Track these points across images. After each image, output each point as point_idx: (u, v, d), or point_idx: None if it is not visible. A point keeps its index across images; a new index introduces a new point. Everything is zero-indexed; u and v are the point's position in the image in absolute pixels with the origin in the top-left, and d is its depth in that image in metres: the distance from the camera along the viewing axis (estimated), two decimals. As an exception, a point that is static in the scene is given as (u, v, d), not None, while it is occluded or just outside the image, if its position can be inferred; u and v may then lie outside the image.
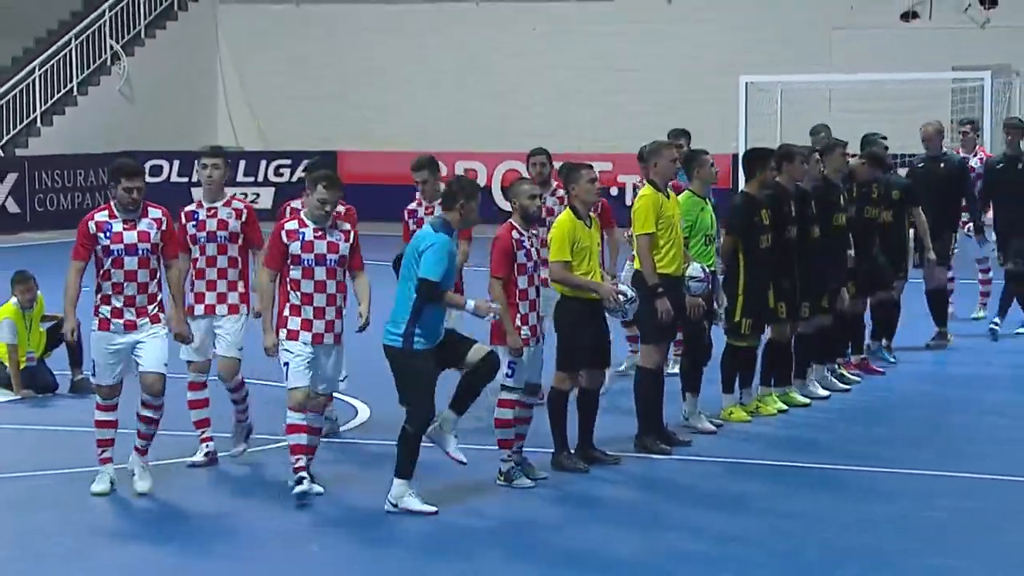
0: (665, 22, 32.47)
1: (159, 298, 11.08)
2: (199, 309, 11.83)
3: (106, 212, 10.98)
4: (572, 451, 11.97)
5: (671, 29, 32.31)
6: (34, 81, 32.55)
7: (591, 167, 11.93)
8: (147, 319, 11.00)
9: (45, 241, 28.92)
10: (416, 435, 10.78)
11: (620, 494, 11.62)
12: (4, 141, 32.05)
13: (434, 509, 10.82)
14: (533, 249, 11.33)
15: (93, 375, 11.22)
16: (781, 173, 13.89)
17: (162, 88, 34.21)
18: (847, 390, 14.90)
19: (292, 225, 11.01)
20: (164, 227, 11.02)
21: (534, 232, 11.43)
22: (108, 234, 10.87)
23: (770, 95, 29.02)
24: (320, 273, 10.93)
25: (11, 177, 30.67)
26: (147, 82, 34.07)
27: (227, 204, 11.94)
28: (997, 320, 17.52)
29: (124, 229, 10.89)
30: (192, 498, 11.37)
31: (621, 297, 11.70)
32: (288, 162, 32.23)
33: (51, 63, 32.91)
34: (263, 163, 32.78)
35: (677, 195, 12.80)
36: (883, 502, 11.37)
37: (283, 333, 10.95)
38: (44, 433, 13.75)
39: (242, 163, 32.69)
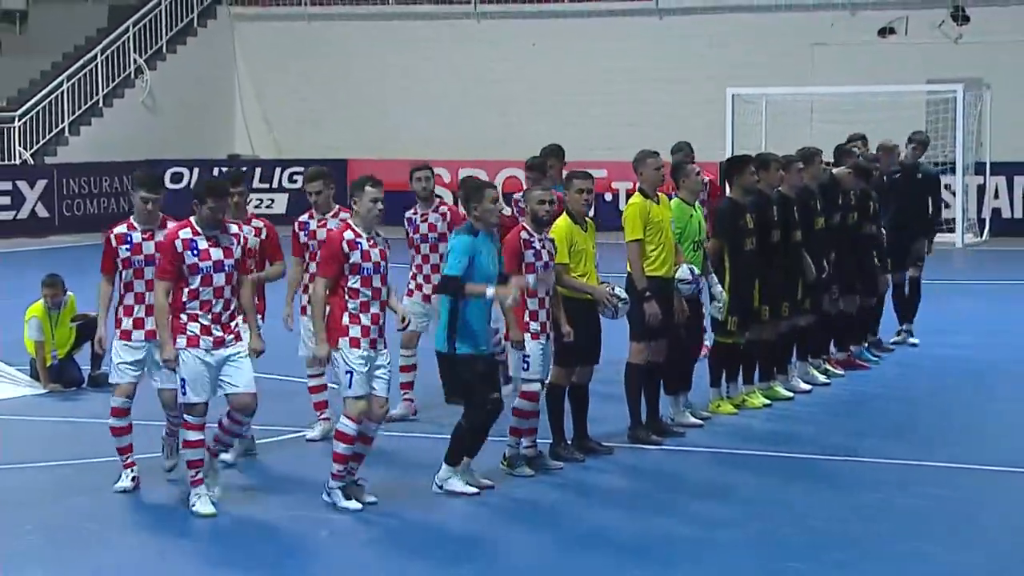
0: (657, 38, 32.44)
1: (239, 314, 10.52)
2: (139, 335, 10.81)
3: (188, 229, 10.33)
4: (569, 442, 11.94)
5: (663, 44, 32.27)
6: (62, 93, 32.55)
7: (587, 177, 11.82)
8: (232, 336, 10.43)
9: (72, 244, 28.92)
10: (470, 431, 10.81)
11: (614, 482, 11.60)
12: (34, 150, 32.05)
13: (475, 490, 10.88)
14: (544, 251, 11.27)
15: (184, 394, 10.35)
16: (760, 180, 13.93)
17: (183, 100, 34.21)
18: (827, 384, 14.90)
19: (350, 235, 10.46)
20: (241, 241, 10.56)
21: (545, 235, 11.35)
22: (195, 252, 10.26)
23: (756, 107, 29.01)
24: (376, 280, 10.48)
25: (40, 183, 30.68)
26: (168, 95, 34.07)
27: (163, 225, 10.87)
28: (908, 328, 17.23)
29: (209, 246, 10.30)
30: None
31: (615, 299, 11.67)
32: (300, 170, 32.16)
33: (78, 76, 32.90)
34: (277, 171, 32.81)
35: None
36: (862, 490, 11.35)
37: (344, 342, 10.39)
38: (70, 425, 13.72)
39: (257, 171, 32.70)
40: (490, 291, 10.64)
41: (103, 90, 33.25)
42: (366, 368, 10.42)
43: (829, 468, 12.06)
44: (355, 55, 34.34)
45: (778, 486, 11.48)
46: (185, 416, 10.43)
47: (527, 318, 11.25)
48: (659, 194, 12.56)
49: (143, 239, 10.73)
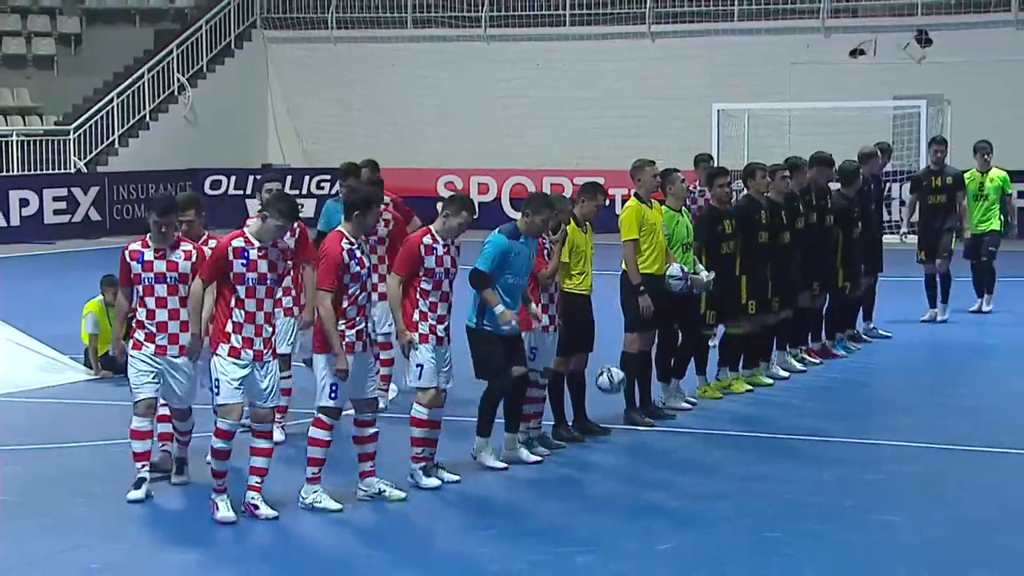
0: (650, 58, 32.46)
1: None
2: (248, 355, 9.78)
3: (346, 240, 9.81)
4: (570, 424, 11.98)
5: (655, 64, 32.29)
6: (113, 108, 32.63)
7: (604, 193, 11.88)
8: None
9: (121, 245, 28.86)
10: (493, 402, 10.91)
11: (610, 460, 11.66)
12: (88, 159, 32.13)
13: (505, 466, 10.98)
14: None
15: (334, 397, 9.88)
16: (749, 188, 14.03)
17: (221, 114, 34.27)
18: (804, 372, 14.93)
19: (428, 240, 10.31)
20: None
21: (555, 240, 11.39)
22: (356, 261, 9.84)
23: (738, 120, 29.02)
24: (445, 285, 10.39)
25: (93, 190, 30.77)
26: (208, 109, 34.13)
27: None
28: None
29: (361, 256, 9.86)
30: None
31: (614, 377, 11.79)
32: (328, 178, 32.23)
33: (127, 93, 32.98)
34: (306, 178, 32.84)
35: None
36: (833, 467, 11.39)
37: (414, 336, 10.28)
38: (120, 408, 13.71)
39: (289, 178, 32.75)
40: (499, 309, 10.60)
41: (149, 105, 33.33)
42: (435, 362, 10.34)
43: (804, 447, 12.12)
44: (376, 73, 34.38)
45: (758, 463, 11.52)
46: (322, 416, 9.95)
47: (539, 311, 11.25)
48: (652, 200, 12.62)
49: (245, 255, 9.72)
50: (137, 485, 10.19)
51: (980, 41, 30.28)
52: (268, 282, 9.69)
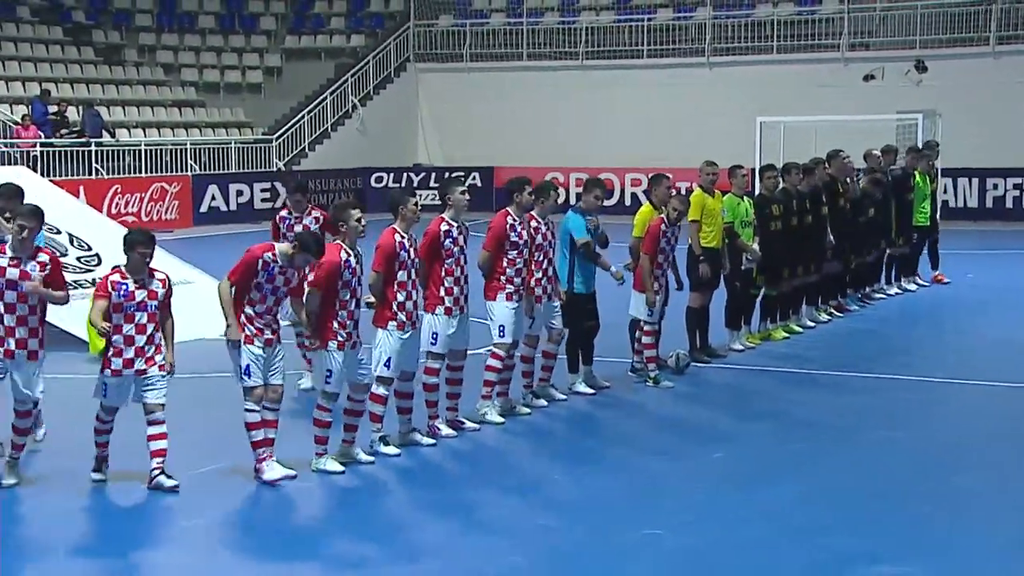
0: (708, 82, 32.12)
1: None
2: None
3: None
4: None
5: (711, 86, 31.95)
6: (304, 123, 32.93)
7: (669, 179, 11.75)
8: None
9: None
10: (574, 343, 10.78)
11: (679, 388, 11.50)
12: (286, 161, 32.48)
13: (593, 391, 10.88)
14: (671, 235, 11.22)
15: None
16: (784, 181, 13.82)
17: (384, 126, 34.44)
18: (828, 322, 14.71)
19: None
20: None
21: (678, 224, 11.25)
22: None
23: (776, 130, 28.54)
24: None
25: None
26: (374, 122, 34.31)
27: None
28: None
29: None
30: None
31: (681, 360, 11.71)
32: (461, 175, 32.26)
33: (315, 111, 33.26)
34: (446, 174, 32.89)
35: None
36: (849, 395, 11.26)
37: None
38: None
39: (433, 174, 32.88)
40: (614, 268, 10.57)
41: (331, 120, 33.59)
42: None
43: (826, 380, 11.98)
44: (499, 95, 34.30)
45: (790, 392, 11.42)
46: (497, 350, 9.76)
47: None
48: (714, 190, 12.49)
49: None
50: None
51: (965, 68, 29.66)
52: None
